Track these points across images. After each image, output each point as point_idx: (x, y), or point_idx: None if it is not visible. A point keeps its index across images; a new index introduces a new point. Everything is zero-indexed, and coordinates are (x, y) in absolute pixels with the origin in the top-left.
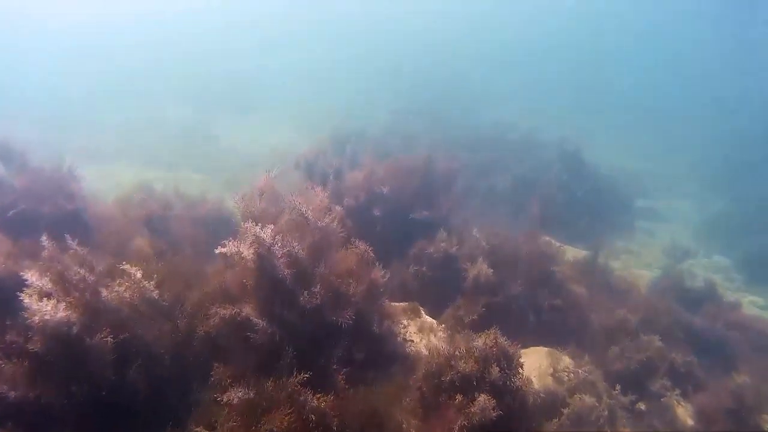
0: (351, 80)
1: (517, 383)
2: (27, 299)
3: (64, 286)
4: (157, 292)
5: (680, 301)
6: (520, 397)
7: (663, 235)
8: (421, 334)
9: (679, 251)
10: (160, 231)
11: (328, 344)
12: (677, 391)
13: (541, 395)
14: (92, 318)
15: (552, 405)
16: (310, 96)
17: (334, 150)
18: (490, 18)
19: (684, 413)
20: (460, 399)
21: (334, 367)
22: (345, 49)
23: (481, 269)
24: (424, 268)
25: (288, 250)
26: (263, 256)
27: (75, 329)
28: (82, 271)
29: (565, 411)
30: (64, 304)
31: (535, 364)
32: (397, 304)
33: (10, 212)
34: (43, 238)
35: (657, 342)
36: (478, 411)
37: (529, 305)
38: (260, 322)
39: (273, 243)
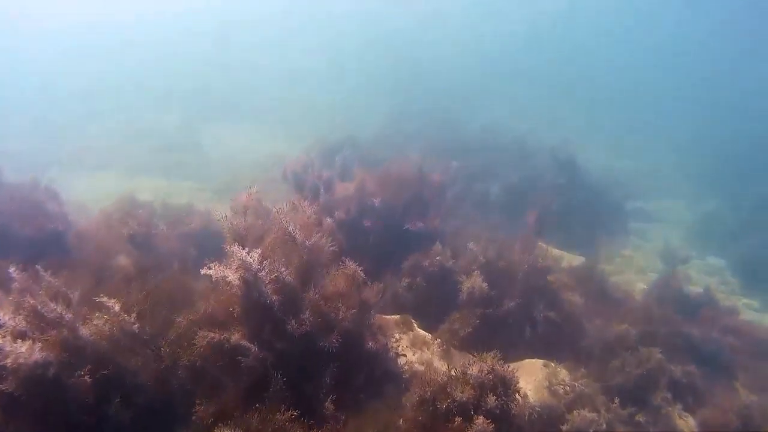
0: (343, 83)
1: (515, 410)
2: (0, 340)
3: (39, 324)
4: (137, 325)
5: (677, 307)
6: (518, 422)
7: (657, 236)
8: (414, 348)
9: (673, 254)
10: (144, 246)
11: (318, 371)
12: (679, 406)
13: (537, 409)
14: (71, 356)
15: (549, 420)
16: (301, 101)
17: (324, 160)
18: (483, 18)
19: (685, 425)
20: (459, 422)
21: (323, 392)
22: (337, 52)
23: (475, 282)
24: (418, 279)
25: (276, 276)
26: (250, 283)
27: (52, 370)
28: (58, 309)
29: (564, 428)
30: (40, 344)
31: (531, 377)
32: (389, 317)
33: None
34: (11, 270)
35: (657, 354)
36: None
37: (525, 317)
38: (252, 347)
39: (260, 269)
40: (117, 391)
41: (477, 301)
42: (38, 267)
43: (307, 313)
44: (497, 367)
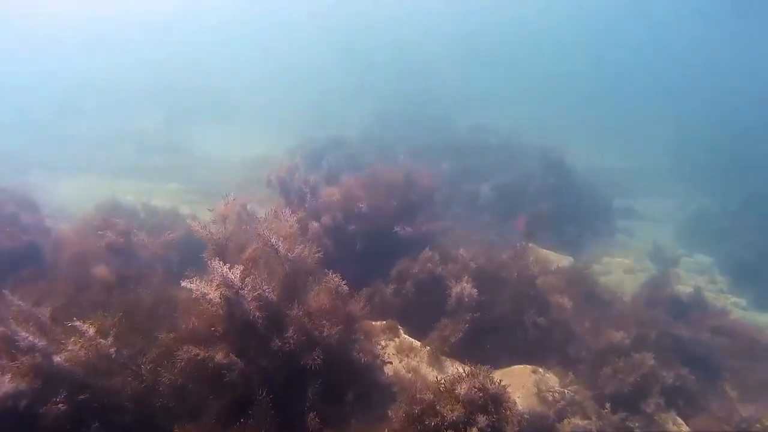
0: (328, 83)
1: (507, 429)
2: None
3: (10, 352)
4: (114, 349)
5: (666, 308)
6: None
7: (646, 235)
8: (401, 355)
9: (662, 253)
10: (125, 254)
11: (302, 388)
12: (672, 412)
13: (526, 416)
14: (45, 384)
15: (538, 428)
16: (289, 101)
17: (310, 162)
18: (472, 18)
19: None
20: None
21: (306, 408)
22: (322, 52)
23: (464, 288)
24: (407, 285)
25: (258, 294)
26: (232, 301)
27: (24, 401)
28: (30, 338)
29: None
30: (10, 375)
31: (520, 384)
32: (376, 323)
33: None
34: None
35: (650, 361)
36: None
37: (515, 323)
38: (237, 361)
39: (241, 286)
40: (95, 415)
41: (467, 307)
42: (5, 291)
43: (291, 331)
44: (488, 384)
